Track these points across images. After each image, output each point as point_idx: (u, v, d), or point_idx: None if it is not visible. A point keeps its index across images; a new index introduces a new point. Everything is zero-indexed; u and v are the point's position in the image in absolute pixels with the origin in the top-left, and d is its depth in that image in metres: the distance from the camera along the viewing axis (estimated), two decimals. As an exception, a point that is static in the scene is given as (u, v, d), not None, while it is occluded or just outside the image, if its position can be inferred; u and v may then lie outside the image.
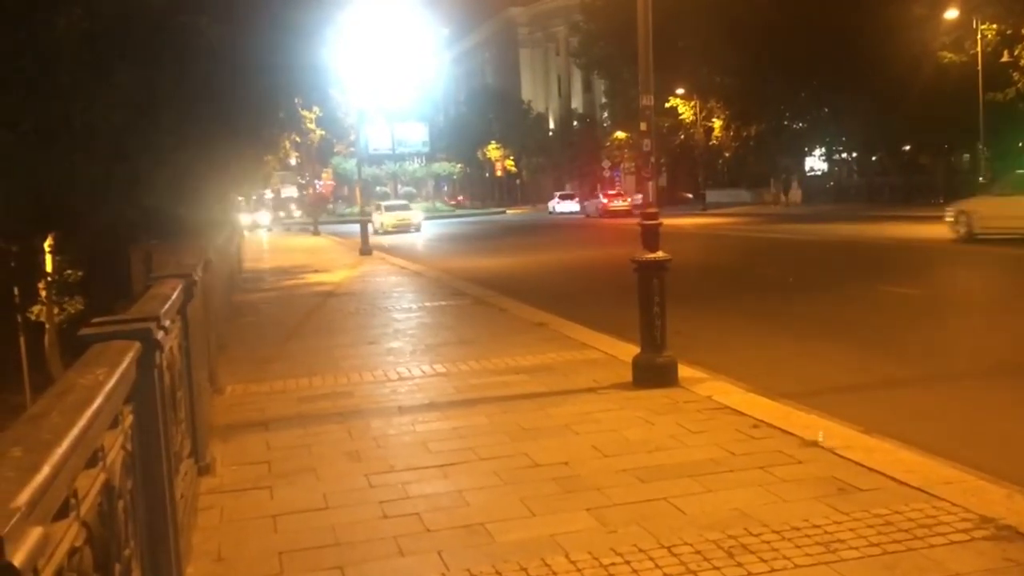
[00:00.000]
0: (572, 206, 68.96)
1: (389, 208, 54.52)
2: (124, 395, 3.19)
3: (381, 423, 7.53)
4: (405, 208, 56.30)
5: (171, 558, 3.76)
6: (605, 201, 60.11)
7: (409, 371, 9.52)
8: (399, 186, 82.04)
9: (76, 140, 10.10)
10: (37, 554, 1.64)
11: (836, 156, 60.35)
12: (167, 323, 4.29)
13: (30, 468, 1.82)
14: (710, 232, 35.08)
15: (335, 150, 66.76)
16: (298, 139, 29.26)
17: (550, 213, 70.29)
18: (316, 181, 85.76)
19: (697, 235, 33.00)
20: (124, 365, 3.13)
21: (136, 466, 3.36)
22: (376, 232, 45.76)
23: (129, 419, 3.31)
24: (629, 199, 57.47)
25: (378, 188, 76.88)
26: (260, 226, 65.68)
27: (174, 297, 5.01)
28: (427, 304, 15.62)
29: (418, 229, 51.56)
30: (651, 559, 4.50)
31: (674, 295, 8.59)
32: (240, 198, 30.65)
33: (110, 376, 2.86)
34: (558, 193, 74.34)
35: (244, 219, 65.06)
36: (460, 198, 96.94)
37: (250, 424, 7.67)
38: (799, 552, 4.50)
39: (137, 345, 3.51)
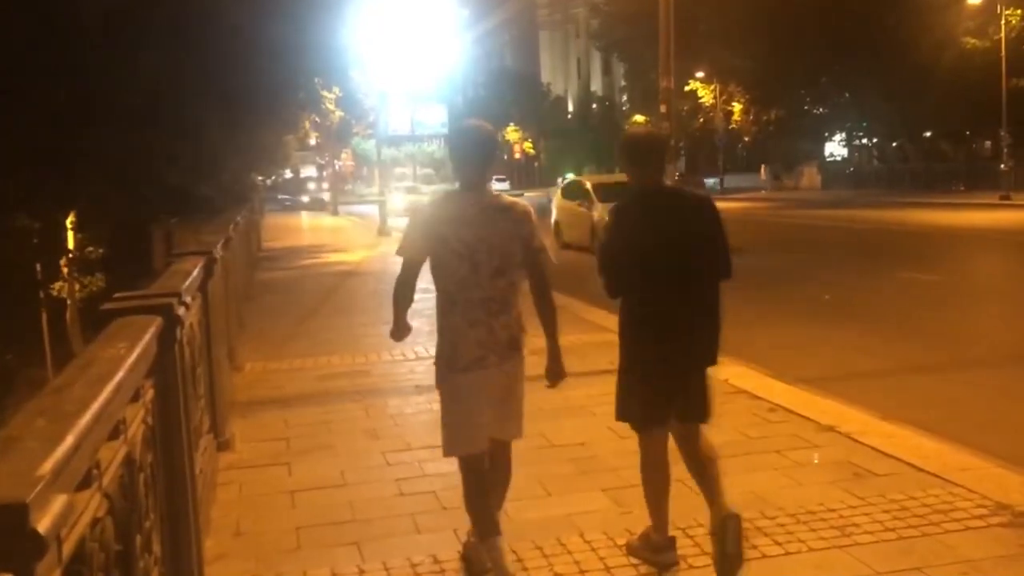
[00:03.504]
0: None
1: (409, 190, 54.48)
2: (145, 369, 3.21)
3: (399, 402, 7.56)
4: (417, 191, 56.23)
5: (190, 532, 3.80)
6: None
7: (427, 350, 9.52)
8: (417, 168, 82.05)
9: (100, 119, 10.15)
10: (61, 522, 1.66)
11: (856, 142, 59.92)
12: (187, 299, 4.32)
13: (54, 438, 1.84)
14: (727, 217, 34.90)
15: (354, 131, 66.66)
16: (318, 119, 29.33)
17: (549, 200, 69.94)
18: (335, 161, 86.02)
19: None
20: (145, 340, 3.15)
21: (156, 440, 3.39)
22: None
23: (150, 393, 3.33)
24: None
25: (397, 169, 76.94)
26: (321, 205, 61.55)
27: (195, 274, 5.04)
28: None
29: None
30: (666, 540, 4.51)
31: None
32: (260, 177, 30.75)
33: (131, 350, 2.88)
34: (561, 178, 73.70)
35: (303, 198, 63.47)
36: (498, 177, 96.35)
37: (269, 401, 7.73)
38: (814, 535, 4.51)
39: (158, 320, 3.53)
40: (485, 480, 4.13)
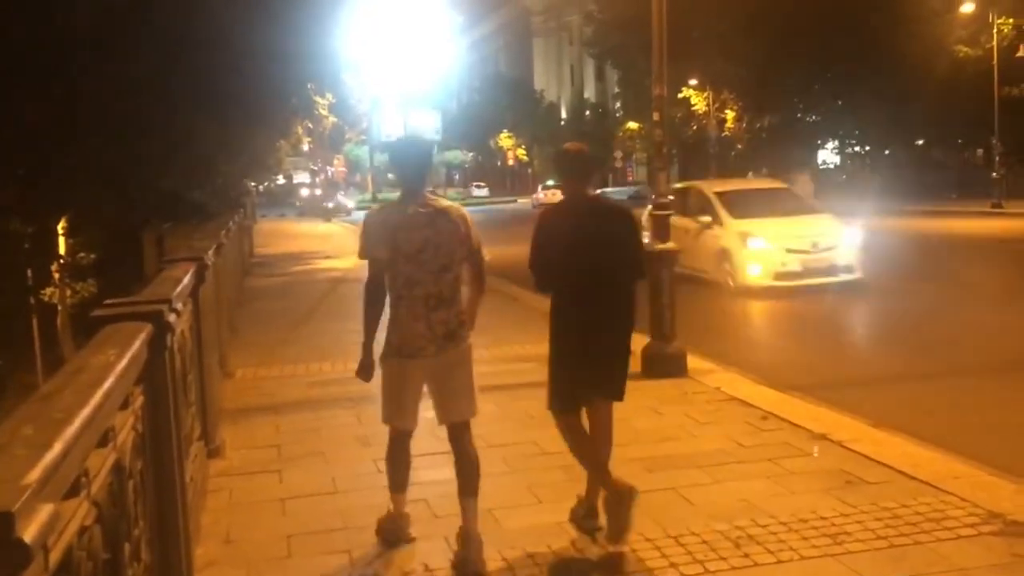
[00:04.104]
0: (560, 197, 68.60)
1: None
2: (135, 376, 3.20)
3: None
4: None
5: (180, 539, 3.78)
6: (542, 196, 60.64)
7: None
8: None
9: (91, 124, 10.13)
10: (47, 531, 1.65)
11: (849, 150, 60.05)
12: (178, 306, 4.30)
13: (41, 446, 1.83)
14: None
15: (346, 137, 66.50)
16: (310, 125, 29.29)
17: (533, 207, 69.97)
18: (328, 168, 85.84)
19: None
20: (135, 346, 3.14)
21: (146, 447, 3.37)
22: None
23: (140, 400, 3.32)
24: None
25: (390, 175, 76.84)
26: (342, 210, 60.13)
27: (186, 280, 5.02)
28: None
29: None
30: (658, 548, 4.51)
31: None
32: (252, 183, 30.67)
33: (121, 357, 2.87)
34: (541, 185, 73.49)
35: (326, 203, 63.04)
36: (476, 184, 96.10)
37: (260, 408, 7.71)
38: (806, 544, 4.50)
39: (148, 327, 3.52)
40: (406, 453, 4.83)
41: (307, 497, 5.50)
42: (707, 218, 15.31)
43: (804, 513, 4.88)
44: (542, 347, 9.63)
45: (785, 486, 5.35)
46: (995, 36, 36.07)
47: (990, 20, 36.40)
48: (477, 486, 4.63)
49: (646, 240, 7.65)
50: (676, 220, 16.84)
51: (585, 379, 4.73)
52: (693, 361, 8.37)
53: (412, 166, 4.64)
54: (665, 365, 8.21)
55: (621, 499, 4.43)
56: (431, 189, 4.67)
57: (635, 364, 8.43)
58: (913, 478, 5.32)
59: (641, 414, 7.04)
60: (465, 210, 4.70)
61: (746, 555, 4.40)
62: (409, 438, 4.80)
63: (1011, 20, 37.45)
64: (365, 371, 4.67)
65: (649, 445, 6.21)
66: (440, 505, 5.25)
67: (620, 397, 4.86)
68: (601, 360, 4.74)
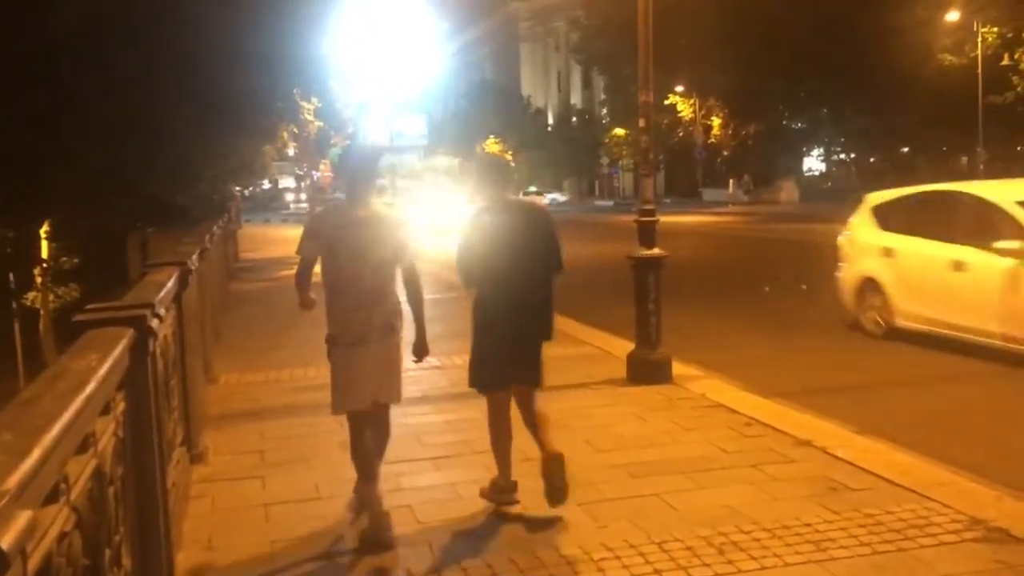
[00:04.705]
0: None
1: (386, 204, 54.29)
2: (116, 381, 3.18)
3: (375, 415, 7.52)
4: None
5: (161, 545, 3.76)
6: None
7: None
8: (397, 179, 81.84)
9: (75, 127, 10.08)
10: (25, 537, 1.63)
11: (834, 157, 60.36)
12: (161, 311, 4.28)
13: (20, 452, 1.81)
14: (706, 231, 35.06)
15: (332, 142, 66.31)
16: (296, 130, 29.22)
17: None
18: (314, 172, 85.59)
19: (694, 233, 32.96)
20: (117, 352, 3.13)
21: (127, 453, 3.36)
22: None
23: (121, 406, 3.30)
24: None
25: (376, 181, 76.62)
26: None
27: (169, 285, 5.01)
28: (423, 297, 15.54)
29: None
30: (641, 555, 4.51)
31: (669, 291, 8.59)
32: (238, 188, 30.57)
33: (102, 362, 2.86)
34: (523, 192, 73.20)
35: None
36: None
37: (244, 413, 7.67)
38: (789, 550, 4.51)
39: (130, 332, 3.51)
40: (367, 434, 5.09)
41: (291, 503, 5.48)
42: (1012, 243, 9.04)
43: (788, 519, 4.88)
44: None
45: (769, 492, 5.35)
46: (979, 45, 36.35)
47: (975, 29, 36.67)
48: (383, 452, 5.25)
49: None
50: (899, 241, 10.73)
51: (507, 363, 5.28)
52: (678, 367, 8.38)
53: (360, 173, 5.14)
54: (650, 371, 8.21)
55: (556, 462, 5.02)
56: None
57: (620, 370, 8.49)
58: (897, 485, 5.33)
59: (626, 420, 7.04)
60: (401, 216, 5.24)
61: (730, 561, 4.40)
62: (367, 421, 5.09)
63: (995, 29, 37.72)
64: (305, 302, 5.19)
65: (633, 451, 6.22)
66: (424, 512, 5.24)
67: (539, 383, 5.41)
68: (523, 348, 5.30)
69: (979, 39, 36.35)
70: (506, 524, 5.04)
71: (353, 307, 4.95)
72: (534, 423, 5.34)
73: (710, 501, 5.23)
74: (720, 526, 4.82)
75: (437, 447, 6.48)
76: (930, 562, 4.33)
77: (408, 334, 5.23)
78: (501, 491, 5.35)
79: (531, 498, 5.36)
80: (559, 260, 5.42)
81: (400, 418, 7.18)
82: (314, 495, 5.61)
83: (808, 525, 4.80)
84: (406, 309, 5.18)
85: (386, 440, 5.30)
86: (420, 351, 5.28)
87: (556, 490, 4.99)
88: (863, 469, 5.63)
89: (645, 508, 5.14)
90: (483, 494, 5.39)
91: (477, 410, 7.33)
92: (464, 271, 5.33)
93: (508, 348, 5.26)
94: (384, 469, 6.00)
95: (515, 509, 5.23)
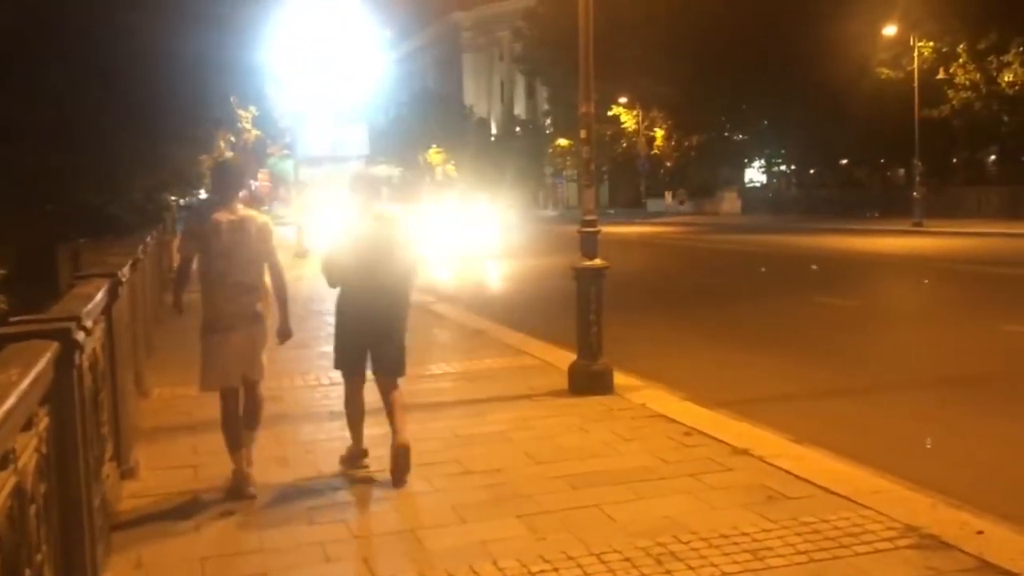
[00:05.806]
0: None
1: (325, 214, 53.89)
2: (40, 396, 3.10)
3: (311, 428, 7.43)
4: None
5: (86, 564, 3.65)
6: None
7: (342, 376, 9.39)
8: (337, 189, 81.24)
9: (4, 135, 9.83)
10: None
11: (775, 168, 61.18)
12: (89, 323, 4.18)
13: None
14: (651, 241, 35.34)
15: (268, 151, 65.61)
16: (233, 139, 28.88)
17: None
18: (252, 182, 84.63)
19: (638, 244, 33.20)
20: (40, 366, 3.05)
21: (51, 469, 3.26)
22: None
23: (45, 421, 3.21)
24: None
25: (313, 191, 75.98)
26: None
27: (98, 297, 4.90)
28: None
29: None
30: (580, 566, 4.49)
31: (613, 302, 8.60)
32: (173, 198, 30.11)
33: (24, 376, 2.78)
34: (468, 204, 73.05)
35: None
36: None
37: (177, 427, 7.51)
38: (727, 559, 4.51)
39: (55, 345, 3.42)
40: (236, 410, 5.85)
41: (223, 519, 5.36)
42: None
43: (725, 529, 4.90)
44: (469, 365, 9.62)
45: (707, 502, 5.37)
46: (916, 59, 37.00)
47: (911, 43, 37.33)
48: (258, 422, 6.01)
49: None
50: None
51: (362, 354, 6.10)
52: (620, 378, 8.39)
53: (228, 181, 6.00)
54: (591, 382, 8.20)
55: (406, 451, 5.83)
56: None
57: (561, 381, 8.48)
58: (833, 493, 5.38)
59: (566, 431, 7.02)
60: (266, 219, 5.98)
61: (668, 572, 4.40)
62: (237, 397, 5.85)
63: (931, 43, 38.45)
64: (178, 307, 6.17)
65: (574, 462, 6.20)
66: (360, 526, 5.17)
67: (401, 372, 6.16)
68: (377, 341, 6.06)
69: (915, 53, 37.00)
70: (443, 538, 4.98)
71: (223, 298, 5.69)
72: (390, 410, 6.03)
73: (649, 511, 5.23)
74: (659, 536, 4.81)
75: (375, 460, 6.33)
76: (865, 569, 4.37)
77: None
78: (354, 458, 6.18)
79: (473, 511, 5.32)
80: (414, 265, 6.21)
81: (338, 431, 7.11)
82: (249, 510, 5.50)
83: (746, 534, 4.81)
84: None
85: (259, 411, 6.01)
86: (283, 334, 6.04)
87: (399, 469, 5.81)
88: (800, 478, 5.67)
89: (584, 519, 5.12)
90: (341, 462, 6.20)
91: (416, 423, 7.27)
92: (326, 271, 6.08)
93: (362, 340, 6.05)
94: (320, 483, 5.96)
95: (370, 473, 6.06)
